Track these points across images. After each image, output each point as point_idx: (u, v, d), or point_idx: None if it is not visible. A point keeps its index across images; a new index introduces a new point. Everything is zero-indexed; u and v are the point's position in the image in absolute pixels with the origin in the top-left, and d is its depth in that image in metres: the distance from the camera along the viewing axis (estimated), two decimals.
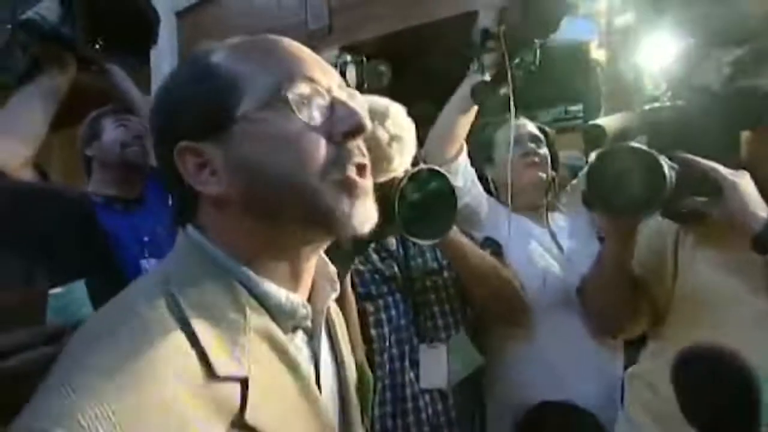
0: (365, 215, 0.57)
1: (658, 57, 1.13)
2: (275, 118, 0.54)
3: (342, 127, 0.56)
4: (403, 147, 0.98)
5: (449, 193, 0.96)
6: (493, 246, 1.30)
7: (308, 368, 0.60)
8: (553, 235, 1.47)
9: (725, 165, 0.97)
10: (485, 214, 1.40)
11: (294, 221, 0.55)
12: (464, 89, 1.31)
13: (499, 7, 1.22)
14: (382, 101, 1.02)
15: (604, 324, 1.31)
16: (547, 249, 1.43)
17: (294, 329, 0.60)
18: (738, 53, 1.02)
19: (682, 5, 1.17)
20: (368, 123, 0.58)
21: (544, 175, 1.48)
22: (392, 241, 1.27)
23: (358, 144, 0.58)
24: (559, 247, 1.44)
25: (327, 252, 0.93)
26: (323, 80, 0.57)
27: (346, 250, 0.97)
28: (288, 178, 0.54)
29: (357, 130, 0.57)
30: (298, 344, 0.60)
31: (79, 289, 0.79)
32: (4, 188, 1.02)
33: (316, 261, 0.63)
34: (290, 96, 0.54)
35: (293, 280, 0.59)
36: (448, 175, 0.97)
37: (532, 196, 1.47)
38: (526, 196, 1.45)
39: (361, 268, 1.22)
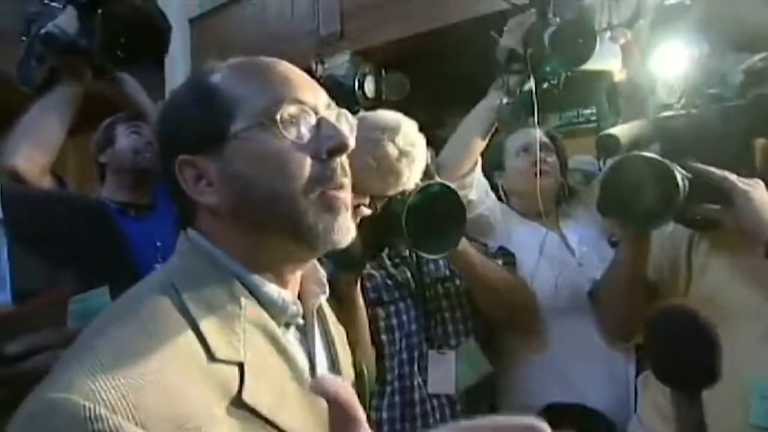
0: (344, 229, 0.62)
1: (672, 65, 1.13)
2: (265, 137, 0.58)
3: (326, 146, 0.60)
4: (412, 162, 0.99)
5: (458, 208, 0.97)
6: (506, 256, 1.30)
7: (302, 361, 0.64)
8: (564, 240, 1.46)
9: (738, 173, 0.97)
10: (498, 223, 1.41)
11: (279, 235, 0.60)
12: (484, 107, 1.32)
13: (524, 29, 1.23)
14: (392, 116, 1.03)
15: (617, 329, 1.31)
16: (559, 254, 1.43)
17: (287, 326, 0.64)
18: (750, 61, 1.01)
19: (700, 11, 1.17)
20: (352, 142, 0.62)
21: (554, 182, 1.48)
22: (405, 248, 1.27)
23: (342, 162, 0.62)
24: (571, 252, 1.44)
25: (337, 259, 0.94)
26: (311, 101, 0.62)
27: (356, 257, 0.99)
28: (274, 192, 0.58)
29: (340, 148, 0.61)
30: (290, 340, 0.64)
31: (102, 294, 0.81)
32: (29, 195, 1.05)
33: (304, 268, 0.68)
34: (278, 117, 0.58)
35: (281, 284, 0.63)
36: (457, 190, 0.97)
37: (543, 202, 1.47)
38: (539, 202, 1.45)
39: (374, 273, 1.23)
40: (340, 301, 1.01)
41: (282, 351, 0.60)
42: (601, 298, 1.28)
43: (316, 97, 0.63)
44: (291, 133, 0.59)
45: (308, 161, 0.59)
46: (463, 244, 1.10)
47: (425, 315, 1.22)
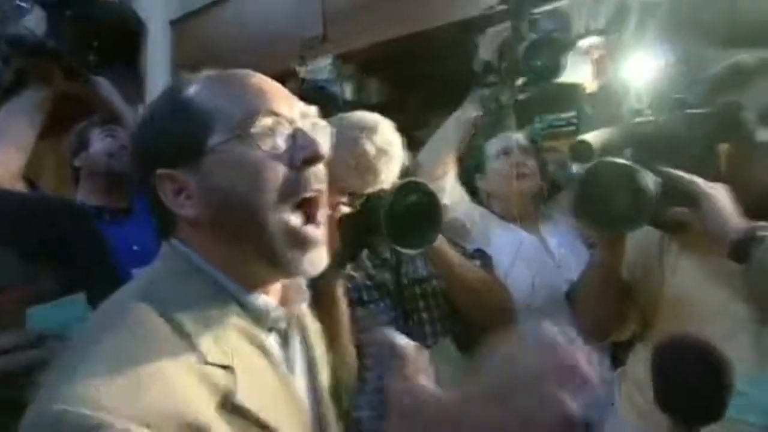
0: (315, 262, 0.64)
1: (643, 73, 1.16)
2: (241, 149, 0.60)
3: (301, 155, 0.62)
4: (390, 161, 1.01)
5: (434, 205, 0.99)
6: (483, 257, 1.32)
7: (283, 363, 0.66)
8: (543, 243, 1.49)
9: (705, 177, 1.00)
10: (476, 226, 1.43)
11: (254, 253, 0.62)
12: (459, 118, 1.35)
13: (499, 42, 1.26)
14: (371, 116, 1.06)
15: (593, 329, 1.33)
16: (537, 256, 1.45)
17: (270, 330, 0.66)
18: (716, 69, 1.05)
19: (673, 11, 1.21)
20: (326, 151, 0.64)
21: (534, 186, 1.51)
22: (385, 248, 1.29)
23: (317, 170, 0.64)
24: (550, 254, 1.47)
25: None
26: (287, 112, 0.63)
27: (337, 257, 1.00)
28: (249, 204, 0.59)
29: (314, 158, 0.62)
30: (272, 344, 0.66)
31: (79, 300, 0.81)
32: (5, 197, 1.04)
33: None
34: (254, 129, 0.60)
35: (263, 291, 0.65)
36: (433, 188, 0.99)
37: (522, 205, 1.50)
38: (518, 205, 1.48)
39: (354, 274, 1.24)
40: (321, 301, 1.02)
41: (266, 354, 0.62)
42: (578, 298, 1.30)
43: (291, 107, 0.64)
44: (266, 144, 0.60)
45: (283, 170, 0.61)
46: (442, 243, 1.12)
47: (403, 315, 1.24)
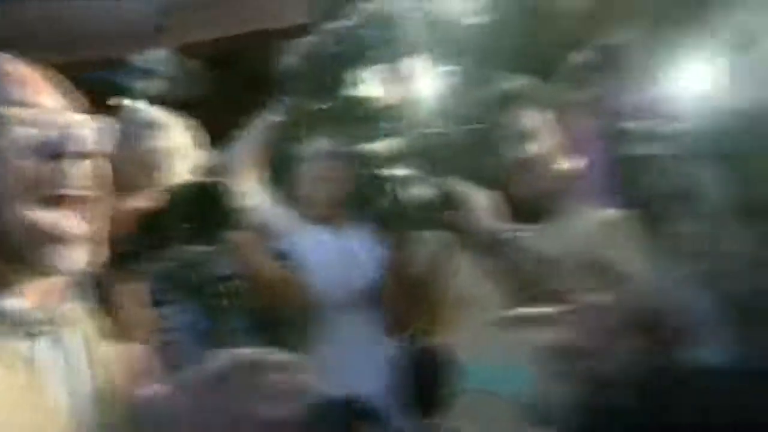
0: (70, 260, 0.58)
1: (435, 89, 1.31)
2: None
3: (57, 148, 0.57)
4: (179, 158, 1.01)
5: (227, 202, 1.01)
6: (285, 257, 1.36)
7: (39, 371, 0.59)
8: (347, 244, 1.57)
9: (480, 185, 1.16)
10: (280, 227, 1.47)
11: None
12: (264, 120, 1.38)
13: (305, 51, 1.31)
14: (161, 114, 1.05)
15: (395, 323, 1.46)
16: (341, 257, 1.52)
17: (30, 335, 0.59)
18: (491, 92, 1.22)
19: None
20: (93, 147, 0.60)
21: (340, 190, 1.59)
22: (187, 248, 1.27)
23: (80, 166, 0.59)
24: (352, 255, 1.55)
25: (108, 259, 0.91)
26: (48, 103, 0.59)
27: (130, 257, 0.97)
28: None
29: (72, 151, 0.58)
30: (25, 351, 0.59)
31: None
32: None
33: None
34: (4, 119, 0.55)
35: (18, 292, 0.59)
36: (234, 188, 1.01)
37: (328, 208, 1.56)
38: (324, 208, 1.54)
39: (155, 273, 1.21)
40: (108, 301, 0.98)
41: (17, 363, 0.56)
42: (381, 296, 1.42)
43: (54, 100, 0.60)
44: (15, 135, 0.55)
45: (33, 164, 0.56)
46: (245, 242, 1.14)
47: (205, 313, 1.24)
